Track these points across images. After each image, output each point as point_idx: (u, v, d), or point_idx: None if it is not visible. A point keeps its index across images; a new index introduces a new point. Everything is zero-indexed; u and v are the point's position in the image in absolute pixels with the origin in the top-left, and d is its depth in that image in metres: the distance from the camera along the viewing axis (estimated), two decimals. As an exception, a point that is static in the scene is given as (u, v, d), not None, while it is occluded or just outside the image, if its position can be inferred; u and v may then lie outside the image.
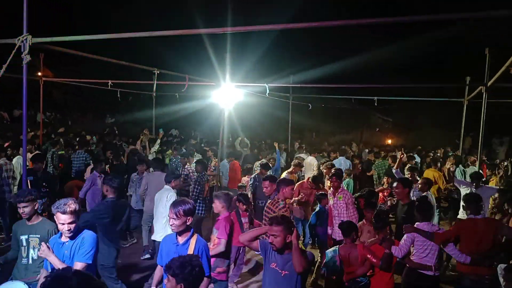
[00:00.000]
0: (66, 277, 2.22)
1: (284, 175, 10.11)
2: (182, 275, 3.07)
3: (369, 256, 5.05)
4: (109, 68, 13.68)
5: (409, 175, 8.84)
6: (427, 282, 5.05)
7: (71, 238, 4.10)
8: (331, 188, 7.56)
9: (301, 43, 26.59)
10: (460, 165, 11.23)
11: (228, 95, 9.18)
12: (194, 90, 14.23)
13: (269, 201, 6.24)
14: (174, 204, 4.15)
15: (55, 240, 4.20)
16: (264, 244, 4.09)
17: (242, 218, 6.81)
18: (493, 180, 10.12)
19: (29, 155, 9.60)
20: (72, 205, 4.03)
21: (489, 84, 8.42)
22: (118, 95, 13.29)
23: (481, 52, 8.73)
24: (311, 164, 11.96)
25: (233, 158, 11.68)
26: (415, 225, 5.31)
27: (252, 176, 9.53)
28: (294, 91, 14.87)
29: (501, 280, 4.29)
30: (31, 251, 4.58)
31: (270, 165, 11.36)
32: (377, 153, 14.04)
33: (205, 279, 4.12)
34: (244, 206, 6.89)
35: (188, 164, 10.45)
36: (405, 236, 5.28)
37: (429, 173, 10.89)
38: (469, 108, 12.00)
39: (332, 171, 8.37)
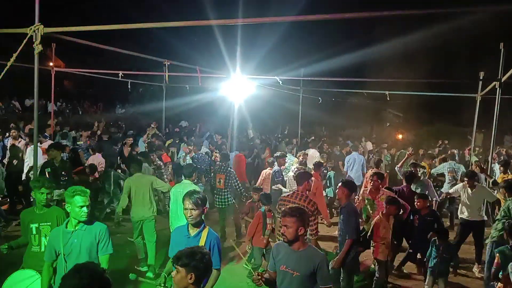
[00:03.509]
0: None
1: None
2: (192, 263, 3.02)
3: None
4: (121, 59, 13.74)
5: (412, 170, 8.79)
6: None
7: (85, 223, 4.14)
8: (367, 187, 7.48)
9: (312, 35, 26.41)
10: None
11: (238, 87, 9.17)
12: (204, 81, 14.22)
13: (290, 193, 6.08)
14: (190, 194, 4.12)
15: (62, 229, 4.20)
16: (276, 246, 4.03)
17: (267, 219, 6.73)
18: (506, 176, 9.92)
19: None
20: (85, 188, 4.18)
21: (503, 79, 8.27)
22: (129, 86, 13.34)
23: (496, 47, 8.58)
24: (313, 156, 12.02)
25: (238, 151, 11.67)
26: None
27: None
28: (304, 84, 14.78)
29: (512, 278, 4.24)
30: (43, 239, 4.63)
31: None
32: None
33: (215, 271, 4.10)
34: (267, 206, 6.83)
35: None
36: None
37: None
38: (482, 104, 11.81)
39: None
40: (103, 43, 7.74)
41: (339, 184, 6.08)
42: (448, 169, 10.07)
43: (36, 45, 5.23)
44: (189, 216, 4.08)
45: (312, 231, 5.70)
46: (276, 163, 9.78)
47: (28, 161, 9.70)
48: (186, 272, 3.02)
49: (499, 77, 8.39)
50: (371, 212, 7.13)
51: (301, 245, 3.75)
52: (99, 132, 14.27)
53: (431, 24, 20.08)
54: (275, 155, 10.39)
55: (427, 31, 20.23)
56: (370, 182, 7.28)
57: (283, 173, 10.41)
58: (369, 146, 16.41)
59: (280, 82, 9.95)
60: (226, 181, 8.49)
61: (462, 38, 22.44)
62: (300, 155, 10.39)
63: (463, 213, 7.69)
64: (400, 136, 21.99)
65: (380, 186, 7.19)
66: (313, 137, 17.52)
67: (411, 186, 7.93)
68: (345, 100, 22.72)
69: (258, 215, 6.92)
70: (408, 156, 9.54)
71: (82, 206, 4.05)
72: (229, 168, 8.73)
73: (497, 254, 5.16)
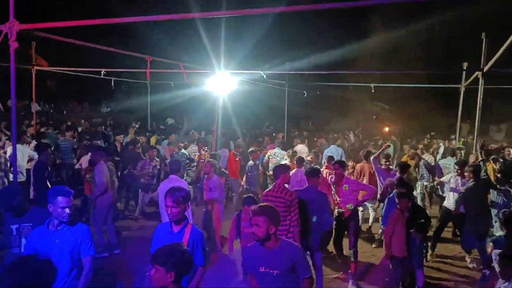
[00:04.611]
0: None
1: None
2: (171, 261, 2.96)
3: None
4: (105, 58, 13.59)
5: (385, 161, 8.85)
6: None
7: (67, 224, 4.05)
8: (332, 176, 7.43)
9: (297, 30, 26.34)
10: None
11: (223, 82, 9.10)
12: (189, 78, 14.14)
13: (269, 188, 6.06)
14: (172, 191, 4.05)
15: (43, 229, 4.11)
16: (249, 249, 3.92)
17: (242, 222, 6.30)
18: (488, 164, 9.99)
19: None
20: (70, 189, 4.09)
21: (485, 69, 8.32)
22: (112, 84, 13.19)
23: (478, 38, 8.65)
24: (300, 152, 12.03)
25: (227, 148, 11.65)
26: None
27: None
28: (290, 79, 14.74)
29: (496, 266, 4.26)
30: (23, 240, 4.51)
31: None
32: None
33: (200, 268, 4.12)
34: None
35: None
36: None
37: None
38: (467, 95, 11.89)
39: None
40: (86, 41, 7.64)
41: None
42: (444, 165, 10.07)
43: (12, 42, 5.13)
44: (169, 214, 4.03)
45: (294, 222, 5.67)
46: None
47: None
48: (166, 271, 2.96)
49: (481, 67, 8.45)
50: (336, 199, 7.07)
51: (274, 243, 3.70)
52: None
53: (416, 17, 20.21)
54: (248, 150, 10.35)
55: (412, 24, 20.38)
56: (332, 171, 7.27)
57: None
58: (352, 138, 16.53)
59: (265, 76, 9.91)
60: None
61: (446, 30, 22.62)
62: (289, 153, 10.31)
63: (449, 202, 7.72)
64: (387, 129, 22.10)
65: (344, 174, 7.15)
66: (296, 132, 17.45)
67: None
68: (331, 93, 22.75)
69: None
70: (385, 147, 9.52)
71: (64, 207, 3.96)
72: (222, 169, 8.59)
73: (491, 244, 5.18)
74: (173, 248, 3.06)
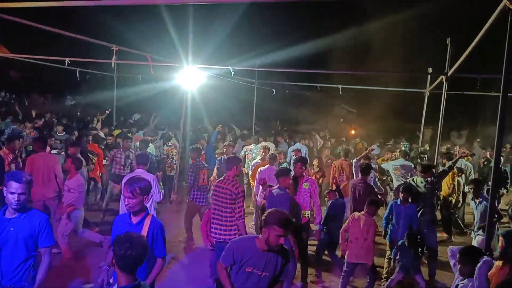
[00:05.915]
0: None
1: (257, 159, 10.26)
2: (118, 253, 2.90)
3: None
4: (71, 49, 13.23)
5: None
6: None
7: (19, 211, 3.91)
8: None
9: (267, 25, 26.38)
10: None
11: (191, 76, 8.99)
12: (156, 71, 13.96)
13: (219, 179, 6.12)
14: (130, 182, 4.01)
15: None
16: (240, 248, 3.79)
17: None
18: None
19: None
20: (28, 176, 3.93)
21: (449, 73, 8.50)
22: (77, 75, 12.81)
23: (443, 42, 8.83)
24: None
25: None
26: None
27: None
28: (260, 77, 14.71)
29: (452, 262, 4.32)
30: None
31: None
32: None
33: (160, 260, 4.07)
34: None
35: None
36: None
37: None
38: (431, 100, 12.11)
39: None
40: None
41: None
42: (393, 167, 10.20)
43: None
44: (127, 205, 3.99)
45: (238, 214, 5.80)
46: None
47: None
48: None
49: (445, 71, 8.63)
50: None
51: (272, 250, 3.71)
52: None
53: (386, 19, 20.55)
54: (224, 144, 10.37)
55: (381, 29, 20.76)
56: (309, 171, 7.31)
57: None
58: (318, 139, 16.71)
59: (233, 73, 9.83)
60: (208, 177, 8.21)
61: (413, 34, 23.16)
62: (261, 149, 10.34)
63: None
64: (353, 132, 22.39)
65: (304, 173, 7.15)
66: (258, 129, 17.41)
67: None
68: (301, 94, 22.93)
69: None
70: (368, 152, 9.56)
71: (13, 193, 3.80)
72: (205, 163, 8.57)
73: (501, 238, 5.15)
74: (125, 239, 2.98)
